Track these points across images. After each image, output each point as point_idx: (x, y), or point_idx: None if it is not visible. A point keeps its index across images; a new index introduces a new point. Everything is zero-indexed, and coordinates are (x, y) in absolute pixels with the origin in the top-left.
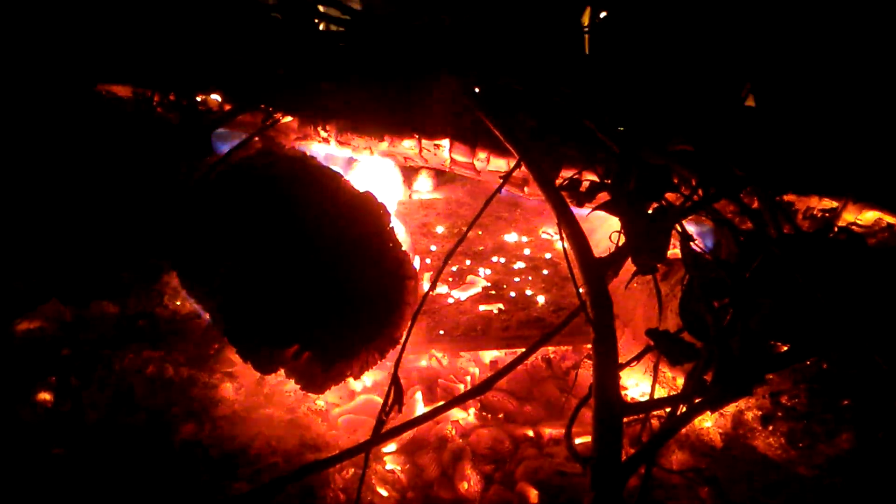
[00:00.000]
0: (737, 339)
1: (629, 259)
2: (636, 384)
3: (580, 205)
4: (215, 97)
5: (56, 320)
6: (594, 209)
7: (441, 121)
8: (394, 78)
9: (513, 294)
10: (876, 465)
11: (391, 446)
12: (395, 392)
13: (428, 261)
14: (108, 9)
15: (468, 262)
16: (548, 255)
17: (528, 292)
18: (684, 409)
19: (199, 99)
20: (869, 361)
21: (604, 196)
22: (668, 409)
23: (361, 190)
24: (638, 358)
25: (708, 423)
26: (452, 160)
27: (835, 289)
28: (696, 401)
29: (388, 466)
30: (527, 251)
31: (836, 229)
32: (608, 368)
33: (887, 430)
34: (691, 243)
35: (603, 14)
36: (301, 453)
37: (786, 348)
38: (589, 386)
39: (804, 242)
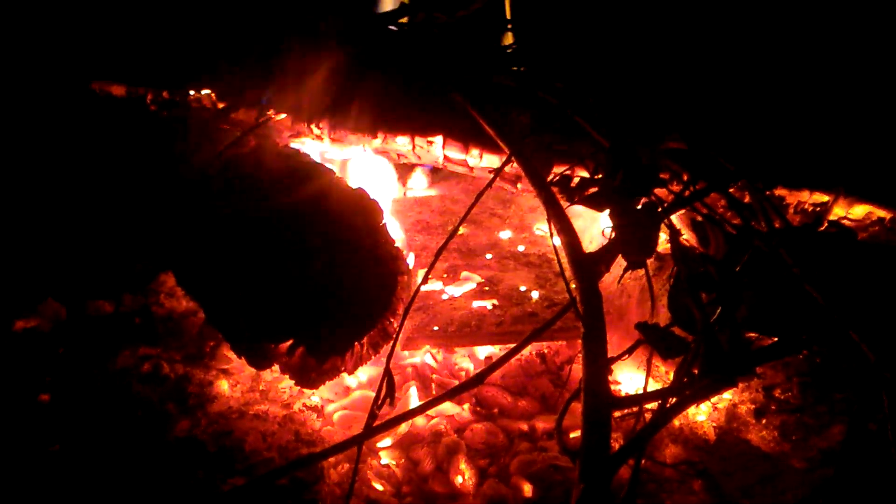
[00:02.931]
0: (724, 332)
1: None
2: (630, 378)
3: (570, 200)
4: (208, 93)
5: (52, 319)
6: (578, 202)
7: (434, 118)
8: (388, 76)
9: (507, 290)
10: (867, 456)
11: (386, 441)
12: (388, 386)
13: (422, 257)
14: (103, 7)
15: (462, 259)
16: (541, 251)
17: (522, 288)
18: (673, 401)
19: (192, 96)
20: (858, 354)
21: (594, 191)
22: (658, 403)
23: (355, 187)
24: (629, 352)
25: (701, 416)
26: (445, 157)
27: (824, 282)
28: (685, 393)
29: (384, 461)
30: (521, 247)
31: (826, 223)
32: (597, 363)
33: (878, 422)
34: (680, 238)
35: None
36: (296, 448)
37: (771, 341)
38: (580, 380)
39: (793, 236)
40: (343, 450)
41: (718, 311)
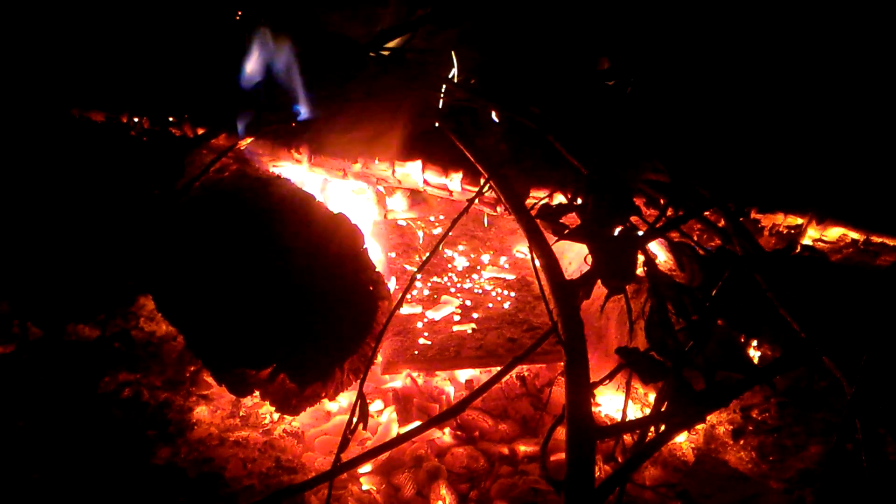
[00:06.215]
0: (697, 363)
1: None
2: (610, 400)
3: (557, 234)
4: (188, 119)
5: (30, 344)
6: (565, 237)
7: (414, 143)
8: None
9: (486, 313)
10: (844, 477)
11: (366, 467)
12: (361, 409)
13: (403, 280)
14: (83, 36)
15: (442, 282)
16: (521, 275)
17: (502, 312)
18: (652, 435)
19: (172, 121)
20: (832, 379)
21: (573, 217)
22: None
23: (335, 211)
24: (610, 376)
25: (680, 437)
26: (425, 181)
27: (798, 307)
28: (662, 425)
29: (364, 487)
30: (501, 270)
31: (799, 247)
32: (580, 391)
33: (854, 443)
34: (657, 261)
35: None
36: (277, 476)
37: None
38: (563, 406)
39: (767, 261)
40: (318, 483)
41: (691, 344)
